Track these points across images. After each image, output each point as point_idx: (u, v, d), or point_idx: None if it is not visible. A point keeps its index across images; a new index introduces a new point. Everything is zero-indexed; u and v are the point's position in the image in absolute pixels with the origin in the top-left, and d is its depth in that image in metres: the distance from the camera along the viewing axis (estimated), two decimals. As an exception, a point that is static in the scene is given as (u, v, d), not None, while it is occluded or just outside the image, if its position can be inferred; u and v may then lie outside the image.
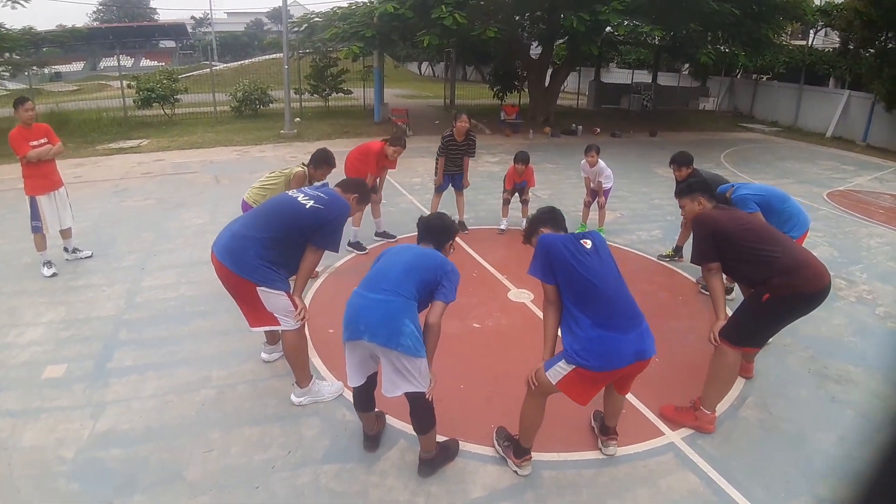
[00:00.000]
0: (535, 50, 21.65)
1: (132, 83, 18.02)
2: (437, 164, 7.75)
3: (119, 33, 48.43)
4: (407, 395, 3.22)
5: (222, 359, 4.72)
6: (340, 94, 20.87)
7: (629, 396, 4.16)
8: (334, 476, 3.49)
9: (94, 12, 64.11)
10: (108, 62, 41.30)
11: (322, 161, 5.63)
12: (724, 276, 4.14)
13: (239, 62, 39.82)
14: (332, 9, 19.55)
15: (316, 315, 5.09)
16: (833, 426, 4.14)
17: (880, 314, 6.03)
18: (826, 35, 25.17)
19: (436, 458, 3.50)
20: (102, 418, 3.97)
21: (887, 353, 5.25)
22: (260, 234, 3.76)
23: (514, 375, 4.08)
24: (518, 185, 7.87)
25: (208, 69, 22.48)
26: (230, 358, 4.73)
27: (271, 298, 3.80)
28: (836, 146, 18.18)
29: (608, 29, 16.57)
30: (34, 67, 22.48)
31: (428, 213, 8.09)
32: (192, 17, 71.47)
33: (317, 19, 20.04)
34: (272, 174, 5.73)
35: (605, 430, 3.73)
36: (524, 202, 7.91)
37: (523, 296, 5.99)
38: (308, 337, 4.30)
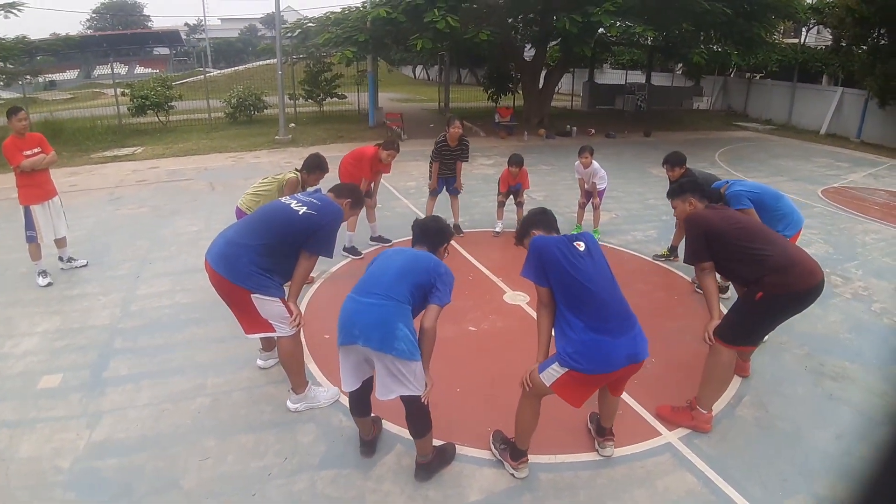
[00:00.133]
0: (529, 52, 21.70)
1: (126, 91, 18.01)
2: (431, 168, 7.76)
3: (113, 41, 48.54)
4: (403, 398, 3.21)
5: (217, 366, 4.71)
6: (335, 99, 20.85)
7: (626, 397, 4.17)
8: (331, 482, 3.48)
9: (88, 20, 64.25)
10: (102, 70, 41.41)
11: (315, 166, 5.62)
12: (719, 276, 4.15)
13: (233, 68, 39.82)
14: (325, 14, 19.61)
15: (311, 321, 5.10)
16: (830, 423, 4.14)
17: (876, 310, 6.04)
18: (818, 33, 25.31)
19: (432, 462, 3.49)
20: (98, 427, 3.96)
21: (884, 349, 5.25)
22: (253, 241, 3.75)
23: (510, 378, 4.07)
24: (512, 188, 7.87)
25: (202, 76, 22.44)
26: (225, 365, 4.72)
27: (266, 305, 3.80)
28: (829, 143, 18.23)
29: (601, 30, 16.59)
30: (28, 76, 22.41)
31: (423, 216, 8.13)
32: (186, 24, 71.63)
33: (310, 24, 20.08)
34: (265, 180, 5.72)
35: (601, 432, 3.73)
36: (519, 205, 7.92)
37: (519, 298, 5.99)
38: (304, 343, 4.29)
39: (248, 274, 3.69)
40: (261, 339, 4.48)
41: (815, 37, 25.78)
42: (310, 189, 5.50)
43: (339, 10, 19.21)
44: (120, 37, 51.98)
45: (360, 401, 3.48)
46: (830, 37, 21.80)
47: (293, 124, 18.14)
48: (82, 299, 5.97)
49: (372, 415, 3.64)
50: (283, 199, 4.07)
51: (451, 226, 7.68)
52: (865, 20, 17.48)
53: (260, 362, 4.68)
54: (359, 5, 19.56)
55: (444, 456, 3.60)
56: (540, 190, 10.56)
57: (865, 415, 4.26)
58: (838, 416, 4.24)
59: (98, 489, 3.43)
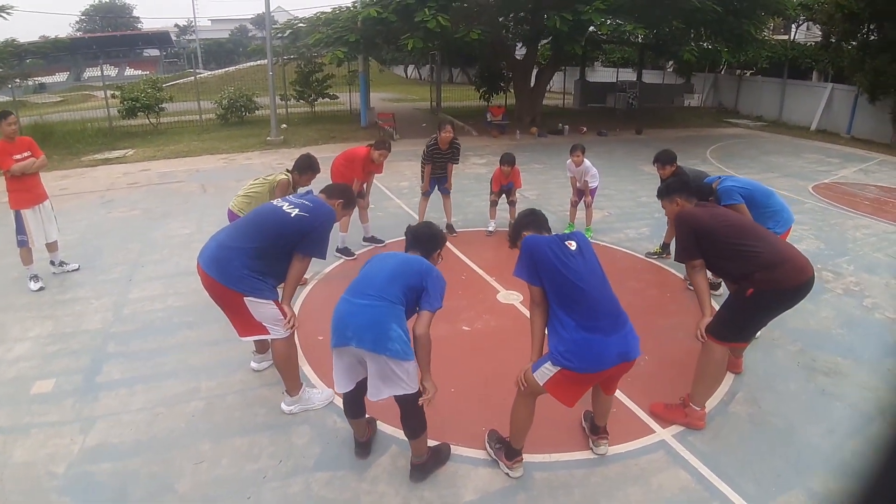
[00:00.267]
0: (520, 51, 21.72)
1: (116, 93, 17.92)
2: (423, 171, 7.76)
3: (102, 43, 48.32)
4: (397, 399, 3.22)
5: (211, 369, 4.69)
6: (326, 100, 20.81)
7: (619, 395, 4.18)
8: (326, 484, 3.48)
9: (77, 22, 63.90)
10: (91, 72, 41.18)
11: (306, 167, 5.61)
12: (710, 273, 4.17)
13: (224, 69, 39.75)
14: (315, 14, 19.59)
15: (305, 322, 5.09)
16: (823, 419, 4.17)
17: (868, 305, 6.07)
18: (808, 29, 25.42)
19: (427, 463, 3.50)
20: (92, 432, 3.94)
21: (876, 344, 5.28)
22: (246, 244, 3.75)
23: (504, 377, 4.08)
24: (505, 187, 7.88)
25: (193, 77, 22.37)
26: (219, 368, 4.70)
27: (259, 308, 3.79)
28: (820, 139, 18.33)
29: (591, 28, 16.61)
30: (17, 80, 22.29)
31: (416, 216, 8.14)
32: (176, 25, 71.33)
33: (301, 25, 20.06)
34: (256, 182, 5.70)
35: (595, 430, 3.74)
36: (511, 203, 7.92)
37: (512, 297, 6.00)
38: (297, 345, 4.29)
39: (241, 277, 3.69)
40: (254, 341, 4.47)
41: (805, 33, 25.92)
42: (301, 190, 5.48)
43: (330, 11, 19.21)
44: (109, 38, 51.71)
45: (355, 402, 3.47)
46: (820, 33, 21.89)
47: (285, 125, 18.09)
48: (74, 303, 5.94)
49: (366, 416, 3.64)
50: (274, 202, 4.06)
51: (445, 225, 7.74)
52: (855, 16, 17.59)
53: (254, 365, 4.67)
54: (349, 5, 19.52)
55: (439, 456, 3.60)
56: (532, 188, 10.58)
57: (858, 410, 4.29)
58: (831, 412, 4.26)
59: (93, 494, 3.42)
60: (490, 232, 8.01)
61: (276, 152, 14.57)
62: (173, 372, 4.67)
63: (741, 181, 5.33)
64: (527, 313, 5.14)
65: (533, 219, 3.54)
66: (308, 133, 17.26)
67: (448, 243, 5.35)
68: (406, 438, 3.45)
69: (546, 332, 3.28)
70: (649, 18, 16.40)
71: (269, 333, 3.89)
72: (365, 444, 3.70)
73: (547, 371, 3.16)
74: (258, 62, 32.15)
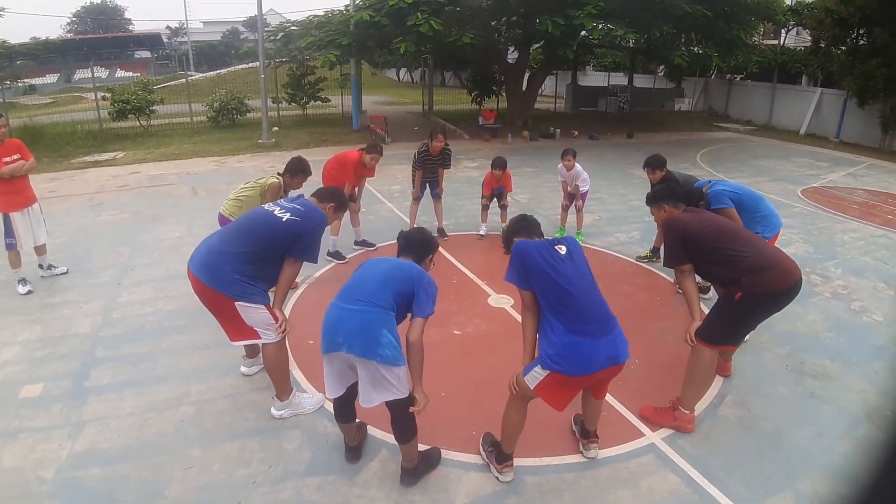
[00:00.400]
0: (512, 55, 21.77)
1: (107, 95, 17.82)
2: (413, 176, 7.76)
3: (93, 44, 48.11)
4: (388, 404, 3.21)
5: (201, 374, 4.68)
6: (318, 103, 20.79)
7: (609, 398, 4.20)
8: (316, 489, 3.47)
9: (68, 24, 63.66)
10: (82, 74, 40.97)
11: (298, 170, 5.60)
12: (699, 277, 4.20)
13: (216, 72, 39.68)
14: (308, 17, 19.54)
15: (296, 326, 5.07)
16: (811, 421, 4.20)
17: (855, 308, 6.12)
18: (797, 34, 25.61)
19: (418, 468, 3.50)
20: (81, 437, 3.92)
21: (863, 347, 5.32)
22: (237, 248, 3.74)
23: (495, 382, 4.09)
24: (496, 191, 7.90)
25: (184, 79, 22.28)
26: (209, 373, 4.69)
27: (251, 312, 3.78)
28: (809, 143, 18.45)
29: (583, 33, 16.68)
30: (7, 81, 22.16)
31: (407, 220, 8.14)
32: (168, 27, 71.06)
33: (293, 28, 20.04)
34: (247, 185, 5.68)
35: (585, 434, 3.75)
36: (503, 207, 7.94)
37: (503, 301, 6.01)
38: (288, 349, 4.28)
39: (232, 282, 3.68)
40: (245, 346, 4.46)
41: (795, 38, 26.11)
42: (292, 192, 5.48)
43: (322, 14, 19.16)
44: (100, 40, 51.49)
45: (345, 407, 3.47)
46: (809, 38, 22.06)
47: (276, 128, 18.06)
48: (63, 307, 5.90)
49: (357, 420, 3.64)
50: (266, 206, 4.05)
51: (436, 229, 7.74)
52: (844, 21, 17.72)
53: (244, 369, 4.65)
54: (342, 8, 19.52)
55: (430, 461, 3.60)
56: (524, 192, 10.61)
57: (846, 413, 4.32)
58: (819, 415, 4.29)
59: (82, 499, 3.40)
60: (481, 235, 8.02)
61: (268, 155, 14.54)
62: (163, 376, 4.65)
63: (731, 185, 5.38)
64: (518, 317, 5.15)
65: (524, 225, 3.55)
66: (300, 136, 17.23)
67: (439, 247, 5.35)
68: (396, 443, 3.45)
69: (538, 336, 3.29)
70: (640, 23, 16.47)
71: (260, 338, 3.88)
72: (355, 449, 3.69)
73: (537, 375, 3.17)
74: (250, 65, 32.12)
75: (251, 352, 4.61)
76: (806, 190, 11.65)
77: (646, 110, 24.07)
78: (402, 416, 3.28)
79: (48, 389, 4.47)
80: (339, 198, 4.29)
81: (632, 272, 7.04)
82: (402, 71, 46.69)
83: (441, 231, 7.91)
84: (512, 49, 21.90)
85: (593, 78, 31.71)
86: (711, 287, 5.76)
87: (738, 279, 3.65)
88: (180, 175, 12.24)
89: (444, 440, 3.82)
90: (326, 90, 20.76)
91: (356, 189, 7.16)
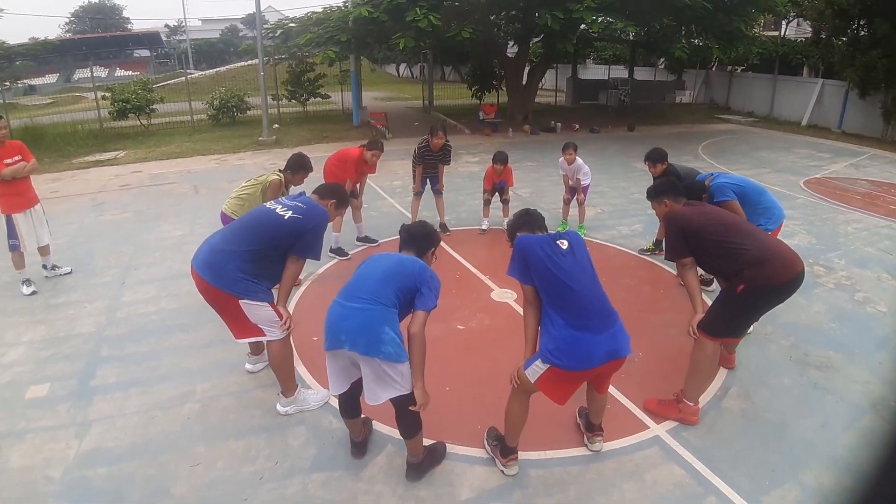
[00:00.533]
0: (512, 49, 21.74)
1: (107, 94, 17.82)
2: (414, 171, 7.77)
3: (92, 44, 48.10)
4: (392, 400, 3.22)
5: (206, 372, 4.69)
6: (318, 99, 20.79)
7: (613, 391, 4.21)
8: (322, 485, 3.48)
9: (67, 24, 63.65)
10: (82, 73, 41.00)
11: (299, 166, 5.61)
12: (702, 270, 4.20)
13: (215, 69, 39.63)
14: (306, 14, 19.53)
15: (300, 323, 5.07)
16: (815, 413, 4.20)
17: (859, 299, 6.11)
18: (798, 25, 25.55)
19: (423, 462, 3.51)
20: (88, 437, 3.94)
21: (867, 338, 5.32)
22: (239, 247, 3.75)
23: (499, 376, 4.09)
24: (497, 185, 7.90)
25: (184, 77, 22.27)
26: (213, 370, 4.70)
27: (255, 310, 3.79)
28: (811, 134, 18.42)
29: (582, 26, 16.63)
30: (7, 82, 22.17)
31: (409, 215, 8.15)
32: (167, 26, 71.08)
33: (292, 25, 20.01)
34: (248, 183, 5.68)
35: (590, 427, 3.76)
36: (505, 202, 7.94)
37: (506, 296, 6.01)
38: (293, 346, 4.29)
39: (235, 280, 3.69)
40: (249, 343, 4.47)
41: (795, 29, 26.06)
42: (294, 190, 5.48)
43: (321, 10, 19.15)
44: (99, 39, 51.49)
45: (350, 402, 3.48)
46: (810, 29, 21.99)
47: (277, 125, 18.05)
48: (67, 307, 5.92)
49: (362, 416, 3.65)
50: (267, 205, 4.05)
51: (438, 224, 7.74)
52: (844, 12, 17.68)
53: (248, 366, 4.67)
54: (340, 5, 19.48)
55: (435, 455, 3.61)
56: (525, 186, 10.60)
57: (850, 404, 4.32)
58: (823, 406, 4.29)
59: (89, 498, 3.42)
60: (483, 230, 8.02)
61: (269, 152, 14.54)
62: (168, 375, 4.67)
63: (733, 178, 5.36)
64: (521, 311, 5.16)
65: (528, 219, 3.56)
66: (300, 133, 17.22)
67: (441, 242, 5.35)
68: (401, 438, 3.46)
69: (539, 330, 3.30)
70: (640, 16, 16.42)
71: (265, 335, 3.89)
72: (361, 444, 3.71)
73: (538, 368, 3.19)
74: (249, 62, 32.10)
75: (255, 349, 4.62)
76: (808, 181, 11.63)
77: (647, 103, 24.04)
78: (406, 412, 3.28)
79: (54, 389, 4.49)
80: (341, 194, 4.28)
81: (635, 265, 7.03)
82: (402, 66, 46.65)
83: (443, 226, 7.91)
84: (511, 43, 21.87)
85: (594, 71, 31.65)
86: (714, 279, 5.77)
87: (741, 272, 3.65)
88: (181, 174, 12.25)
89: (449, 435, 3.83)
90: (326, 87, 20.76)
91: (357, 185, 7.17)
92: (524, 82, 19.92)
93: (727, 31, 16.90)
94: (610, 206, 9.58)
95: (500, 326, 5.42)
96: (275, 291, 3.95)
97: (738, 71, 25.31)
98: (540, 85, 21.09)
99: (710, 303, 4.13)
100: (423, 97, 23.77)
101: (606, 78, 25.68)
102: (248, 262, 3.73)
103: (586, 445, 3.77)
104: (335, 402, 3.84)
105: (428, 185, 7.91)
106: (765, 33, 24.63)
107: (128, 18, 68.87)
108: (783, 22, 24.36)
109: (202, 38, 66.26)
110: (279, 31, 20.21)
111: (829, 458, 3.72)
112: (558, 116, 19.81)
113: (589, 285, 3.21)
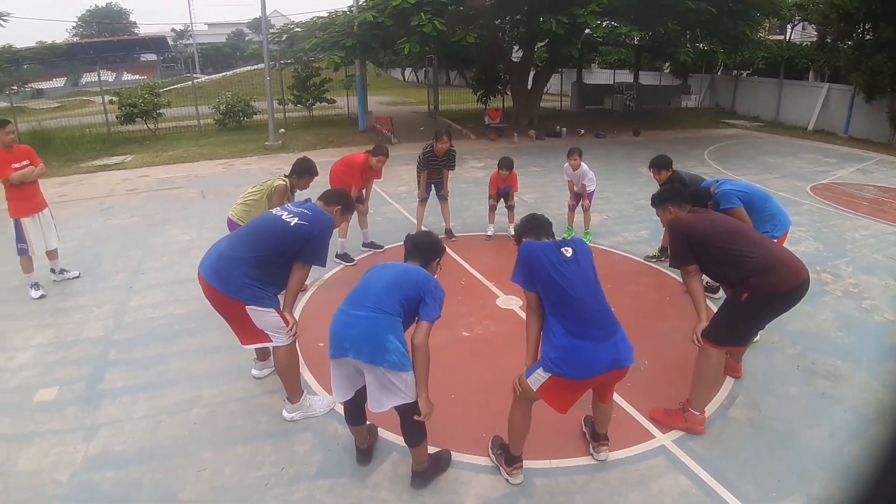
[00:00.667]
0: (517, 53, 21.76)
1: (114, 98, 17.92)
2: (419, 176, 7.79)
3: (99, 48, 48.43)
4: (397, 408, 3.23)
5: (213, 377, 4.71)
6: (324, 104, 20.86)
7: (619, 400, 4.20)
8: (328, 491, 3.49)
9: (74, 28, 63.98)
10: (89, 77, 41.21)
11: (304, 171, 5.63)
12: (707, 277, 4.19)
13: (221, 74, 39.77)
14: (312, 19, 19.57)
15: (306, 329, 5.08)
16: (823, 422, 4.18)
17: (867, 307, 6.08)
18: (803, 29, 25.47)
19: (428, 470, 3.52)
20: (95, 440, 3.96)
21: (875, 346, 5.29)
22: (246, 253, 3.77)
23: (504, 383, 4.07)
24: (502, 191, 7.89)
25: (191, 82, 22.36)
26: (220, 376, 4.72)
27: (261, 316, 3.81)
28: (817, 139, 18.33)
29: (587, 31, 16.66)
30: (14, 86, 22.28)
31: (414, 220, 8.16)
32: (173, 30, 71.38)
33: (297, 29, 20.08)
34: (253, 189, 5.70)
35: (596, 437, 3.76)
36: (510, 208, 7.94)
37: (512, 302, 6.01)
38: (299, 352, 4.30)
39: (242, 286, 3.71)
40: (255, 349, 4.48)
41: (801, 33, 25.98)
42: (299, 195, 5.50)
43: (326, 15, 19.19)
44: (106, 44, 51.82)
45: (355, 409, 3.49)
46: (815, 33, 21.94)
47: (283, 130, 18.12)
48: (75, 311, 5.95)
49: (367, 423, 3.66)
50: (274, 211, 4.08)
51: (443, 230, 7.76)
52: (850, 16, 17.61)
53: (255, 372, 4.69)
54: (345, 10, 19.54)
55: (440, 463, 3.62)
56: (530, 192, 10.60)
57: (857, 413, 4.30)
58: (831, 415, 4.27)
59: (97, 502, 3.44)
60: (489, 236, 8.02)
61: (275, 157, 14.59)
62: (175, 380, 4.69)
63: (739, 184, 5.34)
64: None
65: (534, 224, 3.55)
66: (306, 137, 17.28)
67: (447, 248, 5.37)
68: (406, 446, 3.47)
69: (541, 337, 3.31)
70: (644, 20, 16.44)
71: (271, 341, 3.91)
72: (366, 451, 3.71)
73: (539, 377, 3.19)
74: (255, 66, 32.23)
75: (262, 355, 4.64)
76: (815, 187, 11.59)
77: (652, 107, 24.00)
78: (411, 420, 3.29)
79: (62, 393, 4.52)
80: (346, 200, 4.30)
81: (640, 272, 7.03)
82: (407, 71, 46.74)
83: (448, 232, 7.91)
84: (516, 48, 21.90)
85: (599, 76, 31.64)
86: (720, 286, 5.76)
87: (746, 279, 3.64)
88: (188, 178, 12.31)
89: (454, 442, 3.83)
90: (332, 91, 20.83)
91: (363, 191, 7.18)
92: (529, 87, 19.94)
93: (732, 36, 16.91)
94: (615, 211, 9.57)
95: (506, 333, 5.41)
96: (281, 297, 3.96)
97: (744, 75, 25.26)
98: (545, 89, 21.12)
99: (716, 310, 4.12)
100: (429, 102, 23.82)
101: (612, 82, 25.68)
102: (255, 269, 3.75)
103: (592, 455, 3.76)
104: (341, 409, 3.85)
105: (433, 191, 7.92)
106: (770, 37, 24.56)
107: (134, 23, 69.27)
108: (788, 26, 24.27)
109: (208, 43, 66.52)
110: (285, 36, 20.30)
111: (837, 468, 3.71)
112: (563, 121, 19.81)
113: (591, 294, 3.20)
